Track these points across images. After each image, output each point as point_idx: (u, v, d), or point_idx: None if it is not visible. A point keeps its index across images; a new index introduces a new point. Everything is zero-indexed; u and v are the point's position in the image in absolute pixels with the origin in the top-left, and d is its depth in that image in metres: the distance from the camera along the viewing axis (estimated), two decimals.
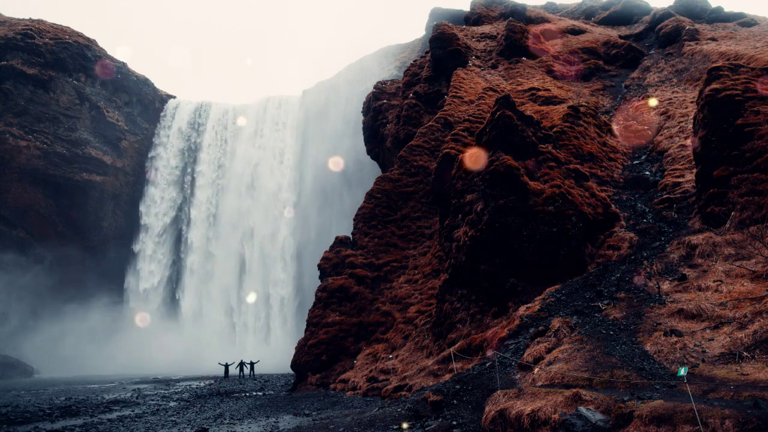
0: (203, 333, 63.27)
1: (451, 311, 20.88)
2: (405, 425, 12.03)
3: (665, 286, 14.42)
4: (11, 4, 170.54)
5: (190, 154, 72.82)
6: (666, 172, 24.51)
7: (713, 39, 43.45)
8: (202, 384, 37.08)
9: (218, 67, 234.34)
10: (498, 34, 51.23)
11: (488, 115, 22.94)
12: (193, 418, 18.94)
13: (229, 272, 67.87)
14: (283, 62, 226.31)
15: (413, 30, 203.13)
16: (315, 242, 63.25)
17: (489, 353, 15.56)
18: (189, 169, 72.27)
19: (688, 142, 25.28)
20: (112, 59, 72.90)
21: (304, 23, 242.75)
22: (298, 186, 71.30)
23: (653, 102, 32.59)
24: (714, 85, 18.99)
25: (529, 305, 16.86)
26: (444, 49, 46.23)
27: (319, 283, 33.41)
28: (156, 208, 69.99)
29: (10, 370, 49.33)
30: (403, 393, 18.24)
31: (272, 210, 70.16)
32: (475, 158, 20.42)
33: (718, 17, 52.53)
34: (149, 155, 72.72)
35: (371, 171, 58.68)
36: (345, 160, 65.87)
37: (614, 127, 31.47)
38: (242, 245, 69.00)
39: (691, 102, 31.35)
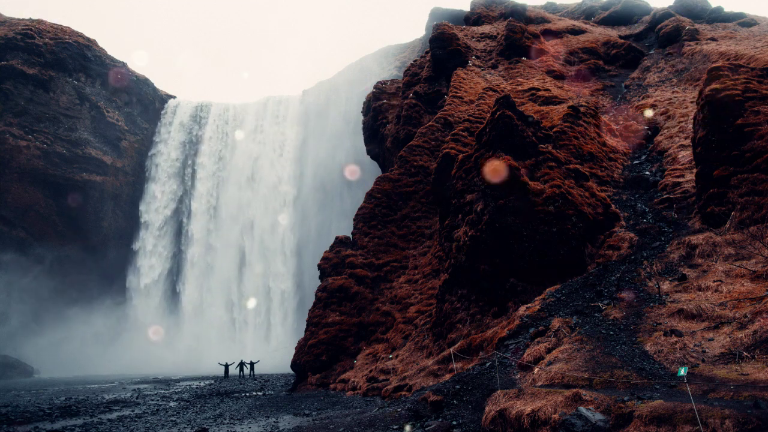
0: (203, 328, 63.56)
1: (451, 311, 20.88)
2: (407, 427, 12.02)
3: (665, 286, 14.42)
4: (11, 4, 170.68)
5: (185, 198, 73.16)
6: (666, 172, 24.49)
7: (713, 39, 43.44)
8: (202, 384, 37.07)
9: (218, 68, 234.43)
10: (498, 34, 51.20)
11: (488, 115, 22.94)
12: (193, 418, 18.94)
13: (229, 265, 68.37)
14: (283, 62, 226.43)
15: (413, 30, 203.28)
16: (315, 241, 63.45)
17: (489, 353, 15.55)
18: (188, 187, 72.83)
19: (688, 142, 25.26)
20: (111, 59, 72.88)
21: (304, 23, 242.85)
22: (298, 181, 71.73)
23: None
24: (714, 85, 18.98)
25: (529, 305, 16.85)
26: (444, 49, 46.21)
27: (318, 282, 33.41)
28: (157, 203, 70.31)
29: (10, 370, 49.33)
30: (403, 393, 18.23)
31: (272, 203, 70.74)
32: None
33: (718, 17, 52.54)
34: (150, 154, 72.99)
35: (371, 171, 58.66)
36: (345, 160, 65.92)
37: (614, 127, 31.46)
38: (242, 237, 69.46)
39: (691, 102, 31.34)
